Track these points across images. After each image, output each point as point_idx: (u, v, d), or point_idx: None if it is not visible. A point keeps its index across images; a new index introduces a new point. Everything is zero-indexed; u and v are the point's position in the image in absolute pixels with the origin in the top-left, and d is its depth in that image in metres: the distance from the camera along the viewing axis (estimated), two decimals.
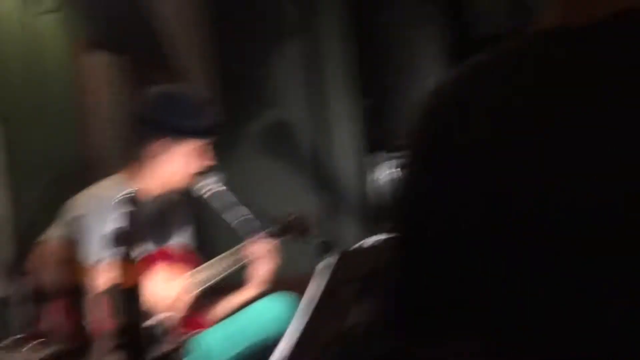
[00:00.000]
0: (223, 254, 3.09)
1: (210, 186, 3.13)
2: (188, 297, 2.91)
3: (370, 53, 4.57)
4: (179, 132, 3.01)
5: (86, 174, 3.90)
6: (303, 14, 4.75)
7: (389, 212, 0.98)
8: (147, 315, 2.21)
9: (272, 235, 3.19)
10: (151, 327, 2.19)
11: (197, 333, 2.93)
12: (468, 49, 4.56)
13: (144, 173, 3.03)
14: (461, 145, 0.89)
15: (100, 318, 2.25)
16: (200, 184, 3.13)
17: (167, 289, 2.82)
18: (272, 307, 3.03)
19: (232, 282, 3.15)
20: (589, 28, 0.85)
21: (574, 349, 0.78)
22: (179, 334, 2.79)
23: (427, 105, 0.98)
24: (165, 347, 2.21)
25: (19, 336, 2.18)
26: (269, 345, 2.83)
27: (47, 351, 2.16)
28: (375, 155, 4.53)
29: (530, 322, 0.81)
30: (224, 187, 3.13)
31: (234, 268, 3.08)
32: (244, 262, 3.11)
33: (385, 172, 4.31)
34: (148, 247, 2.94)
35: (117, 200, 2.36)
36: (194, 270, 3.02)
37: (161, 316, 2.70)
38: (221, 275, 3.04)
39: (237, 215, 3.13)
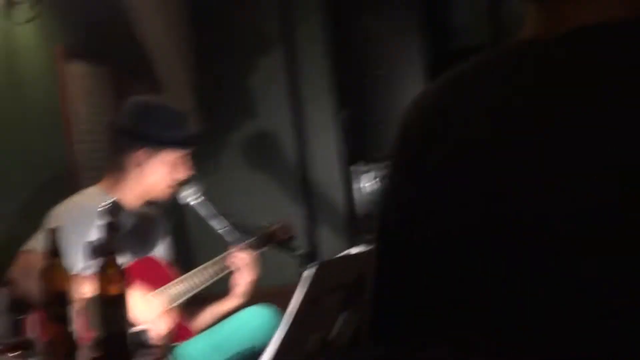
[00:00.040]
0: (204, 265, 3.09)
1: (190, 197, 3.13)
2: (169, 308, 2.90)
3: (349, 64, 4.58)
4: (158, 142, 3.01)
5: (67, 183, 3.89)
6: (283, 25, 4.76)
7: (370, 222, 0.99)
8: (130, 325, 2.21)
9: (253, 246, 3.19)
10: (135, 337, 2.18)
11: (179, 343, 2.92)
12: (447, 60, 4.59)
13: (124, 183, 3.02)
14: (441, 155, 0.91)
15: (84, 327, 2.25)
16: (179, 195, 3.12)
17: (147, 300, 2.82)
18: (255, 317, 3.02)
19: (213, 293, 3.15)
20: (560, 40, 0.86)
21: (572, 349, 0.78)
22: (162, 343, 2.78)
23: (407, 116, 0.99)
24: (149, 357, 2.21)
25: (1, 346, 2.18)
26: (254, 355, 2.83)
27: None
28: (355, 165, 4.54)
29: (522, 326, 0.82)
30: (203, 198, 3.13)
31: (214, 279, 3.08)
32: (224, 272, 3.11)
33: (366, 183, 4.32)
34: (128, 258, 2.93)
35: (98, 211, 2.36)
36: (174, 281, 3.01)
37: (143, 326, 2.70)
38: (202, 286, 3.04)
39: (217, 226, 3.13)
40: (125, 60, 4.55)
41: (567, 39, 0.85)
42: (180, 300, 2.98)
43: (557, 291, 0.79)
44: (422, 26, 4.47)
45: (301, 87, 4.77)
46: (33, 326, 2.38)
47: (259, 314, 3.03)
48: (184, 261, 3.38)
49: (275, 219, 3.37)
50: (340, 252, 2.33)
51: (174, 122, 3.05)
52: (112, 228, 2.23)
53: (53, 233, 2.13)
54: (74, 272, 2.57)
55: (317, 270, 1.92)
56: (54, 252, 2.11)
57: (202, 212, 3.13)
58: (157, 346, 2.45)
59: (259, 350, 2.92)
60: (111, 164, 3.09)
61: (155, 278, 2.98)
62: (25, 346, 2.18)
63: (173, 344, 2.88)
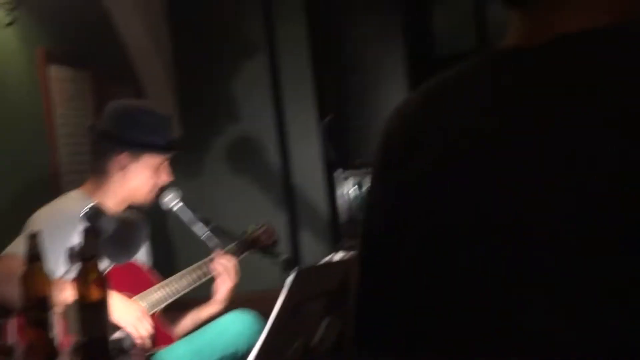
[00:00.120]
0: (185, 270, 3.08)
1: (172, 202, 3.12)
2: (150, 313, 2.89)
3: (332, 69, 4.59)
4: (141, 146, 3.00)
5: (49, 187, 3.88)
6: (265, 30, 4.76)
7: (352, 228, 0.99)
8: (111, 330, 2.20)
9: (235, 251, 3.18)
10: (115, 343, 2.18)
11: (160, 349, 2.91)
12: (429, 67, 4.60)
13: (106, 187, 3.01)
14: (424, 162, 0.91)
15: (65, 333, 2.24)
16: (161, 200, 3.12)
17: (127, 305, 2.80)
18: (236, 323, 3.02)
19: (194, 298, 3.14)
20: (544, 48, 0.87)
21: (572, 350, 0.78)
22: (143, 349, 2.77)
23: (390, 124, 0.99)
24: None
25: None
26: None
27: None
28: (336, 172, 4.54)
29: (515, 330, 0.81)
30: (184, 203, 3.12)
31: (196, 284, 3.07)
32: (206, 278, 3.10)
33: (347, 189, 4.33)
34: (108, 263, 2.92)
35: (79, 215, 2.34)
36: (155, 286, 3.00)
37: (124, 332, 2.69)
38: (183, 292, 3.03)
39: (199, 231, 3.12)
40: (107, 64, 4.54)
41: (551, 46, 0.86)
42: (162, 306, 2.97)
43: (556, 292, 0.79)
44: (406, 33, 4.48)
45: (284, 92, 4.77)
46: (13, 331, 2.37)
47: (240, 320, 3.03)
48: (165, 266, 3.37)
49: (258, 223, 3.37)
50: (322, 258, 2.33)
51: (156, 126, 3.04)
52: (93, 233, 2.22)
53: (34, 237, 2.12)
54: (55, 276, 2.55)
55: (297, 276, 1.92)
56: (35, 257, 2.10)
57: (184, 217, 3.12)
58: (137, 352, 2.44)
59: (241, 356, 2.92)
60: (93, 168, 3.08)
61: (137, 283, 2.97)
62: (5, 351, 2.17)
63: (154, 350, 2.87)
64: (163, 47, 4.73)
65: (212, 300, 3.13)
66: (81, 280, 2.13)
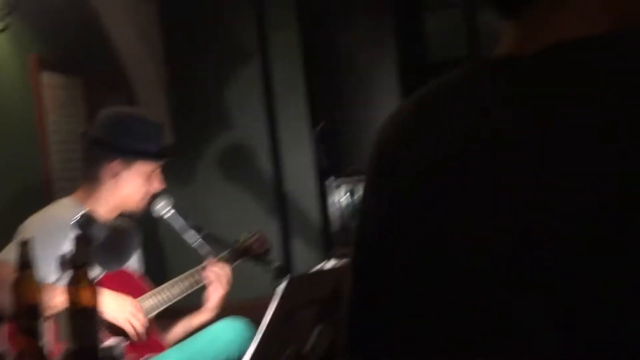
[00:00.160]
0: (177, 278, 3.07)
1: (164, 209, 3.12)
2: (142, 321, 2.88)
3: (324, 77, 4.59)
4: (133, 153, 2.99)
5: (41, 194, 3.87)
6: (258, 38, 4.76)
7: (344, 236, 0.99)
8: (102, 337, 2.19)
9: (227, 259, 3.18)
10: (106, 350, 2.17)
11: (151, 356, 2.91)
12: (421, 74, 4.62)
13: (98, 195, 3.01)
14: (417, 170, 0.91)
15: (56, 340, 2.23)
16: (153, 207, 3.11)
17: (119, 301, 2.80)
18: (228, 330, 3.01)
19: (185, 306, 3.13)
20: (538, 56, 0.87)
21: (572, 351, 0.78)
22: (134, 356, 2.76)
23: (383, 132, 0.99)
24: None
25: None
26: None
27: None
28: (328, 179, 4.55)
29: (514, 334, 0.81)
30: (176, 211, 3.12)
31: (188, 292, 3.06)
32: (198, 286, 3.09)
33: (339, 197, 4.33)
34: (100, 270, 2.91)
35: (70, 223, 2.34)
36: (147, 294, 2.99)
37: (116, 338, 2.68)
38: (175, 299, 3.02)
39: (191, 239, 3.11)
40: (99, 71, 4.53)
41: (545, 55, 0.86)
42: (153, 314, 2.96)
43: (556, 292, 0.78)
44: (397, 39, 4.49)
45: (276, 99, 4.77)
46: (4, 338, 2.36)
47: (231, 327, 3.02)
48: (157, 274, 3.36)
49: (250, 232, 3.36)
50: (314, 266, 2.33)
51: (148, 133, 3.03)
52: (84, 240, 2.21)
53: (25, 244, 2.11)
54: (46, 284, 2.54)
55: (289, 284, 1.92)
56: (26, 264, 2.09)
57: (176, 224, 3.12)
58: (129, 358, 2.43)
59: None
60: (85, 175, 3.07)
61: (129, 291, 2.96)
62: None
63: (145, 358, 2.86)
64: (155, 54, 4.73)
65: (203, 308, 3.13)
66: (72, 288, 2.13)
